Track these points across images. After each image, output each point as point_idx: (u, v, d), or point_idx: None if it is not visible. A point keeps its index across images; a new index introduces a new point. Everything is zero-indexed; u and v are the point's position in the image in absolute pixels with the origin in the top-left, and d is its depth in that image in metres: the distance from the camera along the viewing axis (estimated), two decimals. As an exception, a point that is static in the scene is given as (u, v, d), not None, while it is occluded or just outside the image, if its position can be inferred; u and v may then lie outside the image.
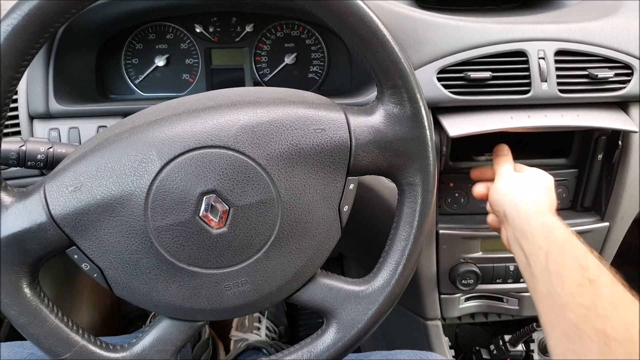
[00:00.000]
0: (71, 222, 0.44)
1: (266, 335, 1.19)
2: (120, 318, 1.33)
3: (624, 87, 0.75)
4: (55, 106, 0.70)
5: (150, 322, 1.09)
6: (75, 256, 0.46)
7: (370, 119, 0.48)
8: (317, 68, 0.85)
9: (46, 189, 0.45)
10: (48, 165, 0.54)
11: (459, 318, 0.93)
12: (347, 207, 0.49)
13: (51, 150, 0.53)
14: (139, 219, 0.44)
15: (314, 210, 0.48)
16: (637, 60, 0.76)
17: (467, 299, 0.90)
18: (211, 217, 0.45)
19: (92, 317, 1.23)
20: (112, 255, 0.46)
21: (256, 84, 0.85)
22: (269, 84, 0.85)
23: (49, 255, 0.46)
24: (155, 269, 0.46)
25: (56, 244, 0.45)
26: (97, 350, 0.48)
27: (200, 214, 0.45)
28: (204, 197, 0.45)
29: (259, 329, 1.19)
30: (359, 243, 0.88)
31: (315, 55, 0.85)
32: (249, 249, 0.47)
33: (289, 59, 0.84)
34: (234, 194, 0.45)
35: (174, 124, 0.45)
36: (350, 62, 0.84)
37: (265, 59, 0.84)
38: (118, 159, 0.44)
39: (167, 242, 0.45)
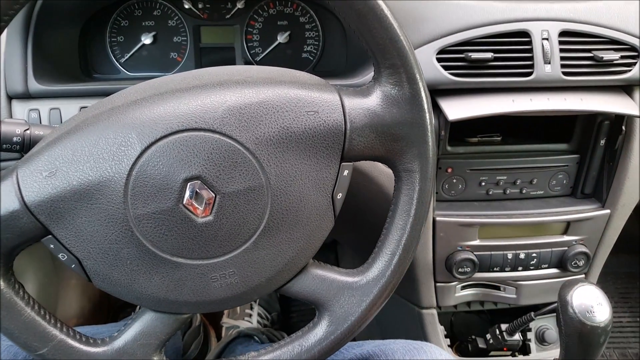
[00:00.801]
0: (46, 209, 0.42)
1: (258, 322, 1.17)
2: (110, 305, 1.31)
3: (630, 70, 0.73)
4: (34, 86, 0.66)
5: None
6: (52, 246, 0.43)
7: (366, 101, 0.45)
8: (311, 47, 0.82)
9: (19, 174, 0.42)
10: (25, 148, 0.51)
11: (455, 306, 0.92)
12: (340, 194, 0.47)
13: (28, 132, 0.50)
14: (119, 207, 0.42)
15: (305, 198, 0.45)
16: (644, 42, 0.73)
17: (463, 287, 0.88)
18: (196, 204, 0.43)
19: (81, 305, 1.21)
20: (91, 245, 0.43)
21: (247, 63, 0.82)
22: (260, 63, 0.82)
23: (23, 245, 0.43)
24: (137, 259, 0.44)
25: (30, 233, 0.42)
26: (76, 344, 0.46)
27: (184, 202, 0.42)
28: (188, 184, 0.42)
29: (250, 315, 1.17)
30: (354, 231, 0.86)
31: (310, 34, 0.81)
32: (237, 239, 0.45)
33: (281, 38, 0.80)
34: (221, 180, 0.43)
35: (155, 105, 0.42)
36: (346, 41, 0.81)
37: (257, 37, 0.81)
38: (95, 142, 0.42)
39: (149, 231, 0.43)
